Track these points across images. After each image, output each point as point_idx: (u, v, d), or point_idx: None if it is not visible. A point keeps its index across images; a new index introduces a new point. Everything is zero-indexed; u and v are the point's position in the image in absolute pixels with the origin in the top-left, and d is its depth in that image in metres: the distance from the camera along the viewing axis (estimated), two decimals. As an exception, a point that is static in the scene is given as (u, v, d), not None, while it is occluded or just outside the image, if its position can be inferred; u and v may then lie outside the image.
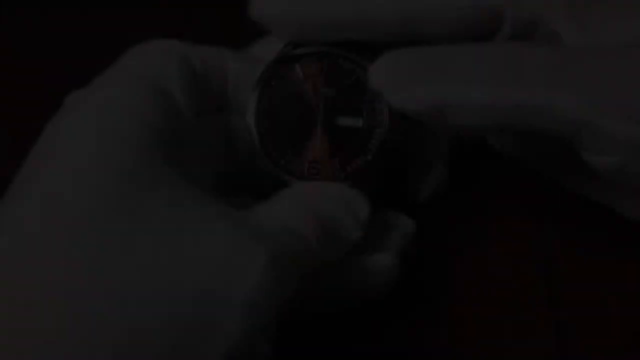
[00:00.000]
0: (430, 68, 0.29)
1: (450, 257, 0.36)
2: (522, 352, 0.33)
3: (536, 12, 0.29)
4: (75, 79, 0.29)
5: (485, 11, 0.29)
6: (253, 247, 0.24)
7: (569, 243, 0.37)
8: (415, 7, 0.30)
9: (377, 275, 0.31)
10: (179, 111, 0.27)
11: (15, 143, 0.28)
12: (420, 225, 0.37)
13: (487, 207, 0.38)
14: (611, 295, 0.35)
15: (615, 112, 0.26)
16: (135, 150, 0.24)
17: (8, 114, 0.42)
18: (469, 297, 0.35)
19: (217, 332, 0.22)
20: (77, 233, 0.22)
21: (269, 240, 0.25)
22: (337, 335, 0.33)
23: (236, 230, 0.24)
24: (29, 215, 0.22)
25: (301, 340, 0.33)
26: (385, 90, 0.30)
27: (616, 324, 0.34)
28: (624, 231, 0.35)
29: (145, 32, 0.32)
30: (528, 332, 0.33)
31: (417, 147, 0.37)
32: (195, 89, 0.30)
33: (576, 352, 0.33)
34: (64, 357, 0.20)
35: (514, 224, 0.37)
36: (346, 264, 0.30)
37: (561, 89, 0.27)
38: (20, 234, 0.22)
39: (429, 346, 0.33)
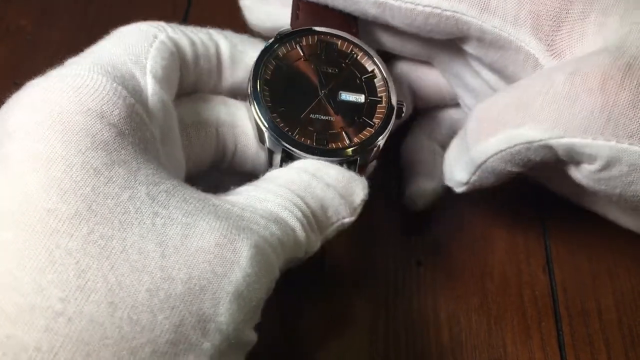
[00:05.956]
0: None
1: (451, 256, 0.37)
2: (523, 349, 0.33)
3: (501, 26, 0.30)
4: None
5: (448, 18, 0.31)
6: (236, 239, 0.24)
7: (569, 243, 0.37)
8: (390, 2, 0.31)
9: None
10: (144, 104, 0.26)
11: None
12: (422, 225, 0.37)
13: (488, 208, 0.38)
14: (608, 293, 0.35)
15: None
16: (102, 149, 0.23)
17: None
18: (470, 295, 0.35)
19: (209, 325, 0.22)
20: (58, 240, 0.21)
21: (251, 231, 0.24)
22: (336, 334, 0.34)
23: (219, 223, 0.24)
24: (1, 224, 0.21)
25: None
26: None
27: (613, 320, 0.34)
28: (620, 232, 0.35)
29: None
30: (529, 329, 0.34)
31: (413, 157, 0.37)
32: (176, 73, 0.29)
33: (576, 348, 0.33)
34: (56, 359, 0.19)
35: (515, 224, 0.38)
36: None
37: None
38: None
39: (428, 343, 0.33)
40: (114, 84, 0.25)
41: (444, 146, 0.38)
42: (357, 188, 0.29)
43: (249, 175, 0.30)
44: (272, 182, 0.28)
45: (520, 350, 0.33)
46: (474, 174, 0.32)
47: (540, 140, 0.28)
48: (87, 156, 0.23)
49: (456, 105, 0.39)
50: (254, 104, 0.30)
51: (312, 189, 0.28)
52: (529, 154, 0.29)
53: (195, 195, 0.25)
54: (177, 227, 0.23)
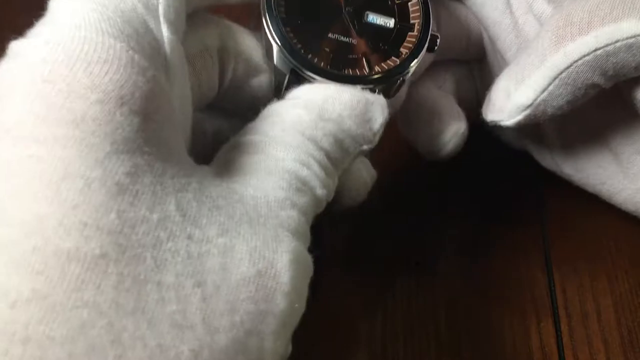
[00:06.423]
0: None
1: (449, 256, 0.36)
2: (521, 349, 0.33)
3: None
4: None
5: None
6: (275, 258, 0.20)
7: (568, 244, 0.37)
8: None
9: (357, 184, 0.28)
10: (163, 68, 0.21)
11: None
12: (420, 225, 0.37)
13: (487, 208, 0.38)
14: (607, 294, 0.35)
15: None
16: (123, 150, 0.18)
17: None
18: (468, 295, 0.35)
19: None
20: (84, 295, 0.17)
21: (283, 231, 0.21)
22: (333, 335, 0.34)
23: (254, 236, 0.20)
24: (21, 266, 0.17)
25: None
26: None
27: (612, 321, 0.34)
28: (619, 233, 0.36)
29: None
30: (528, 329, 0.34)
31: (428, 101, 0.34)
32: (183, 4, 0.23)
33: (575, 348, 0.33)
34: None
35: (514, 224, 0.38)
36: None
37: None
38: (23, 289, 0.16)
39: (427, 344, 0.33)
40: (130, 52, 0.19)
41: None
42: (375, 112, 0.26)
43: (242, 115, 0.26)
44: (275, 123, 0.24)
45: (518, 350, 0.33)
46: (545, 89, 0.28)
47: None
48: (107, 166, 0.18)
49: (461, 62, 0.36)
50: (265, 13, 0.26)
51: (323, 123, 0.24)
52: (627, 55, 0.26)
53: (218, 191, 0.21)
54: (214, 252, 0.19)
